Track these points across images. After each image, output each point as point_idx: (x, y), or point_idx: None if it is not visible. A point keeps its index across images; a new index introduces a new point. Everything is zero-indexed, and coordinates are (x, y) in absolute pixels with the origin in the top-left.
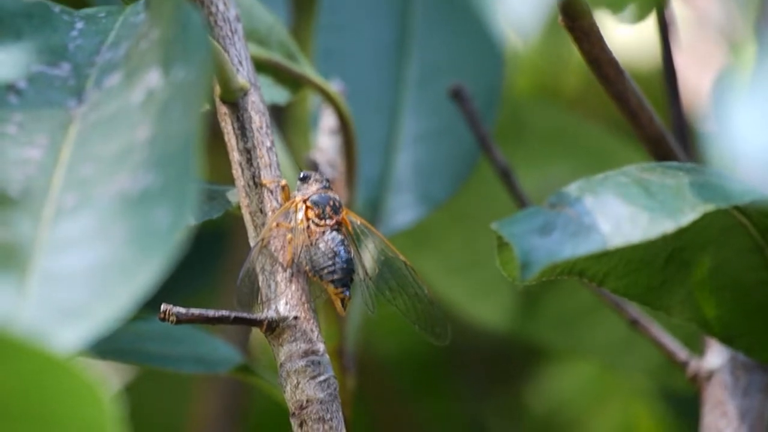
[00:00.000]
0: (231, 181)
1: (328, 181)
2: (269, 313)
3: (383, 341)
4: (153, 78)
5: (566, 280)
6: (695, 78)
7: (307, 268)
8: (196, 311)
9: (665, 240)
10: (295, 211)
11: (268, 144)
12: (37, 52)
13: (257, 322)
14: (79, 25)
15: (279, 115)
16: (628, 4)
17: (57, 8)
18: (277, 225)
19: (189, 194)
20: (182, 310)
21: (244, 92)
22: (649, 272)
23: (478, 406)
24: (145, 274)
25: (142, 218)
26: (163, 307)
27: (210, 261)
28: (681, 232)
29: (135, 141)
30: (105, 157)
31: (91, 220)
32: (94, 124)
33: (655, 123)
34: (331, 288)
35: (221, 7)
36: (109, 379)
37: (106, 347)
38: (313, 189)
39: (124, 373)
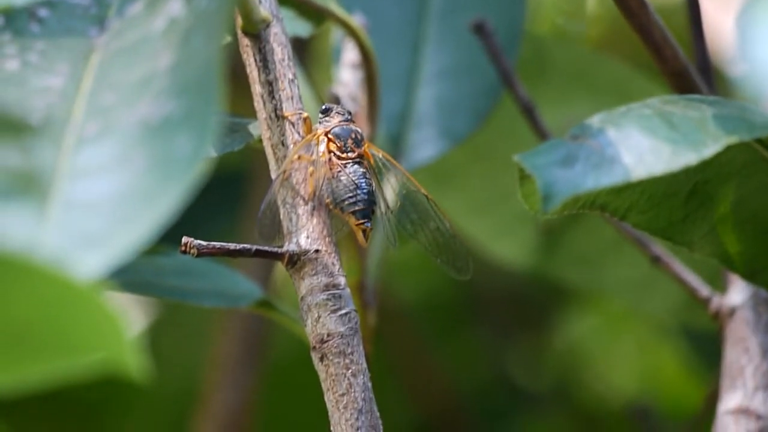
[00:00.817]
0: (252, 115)
1: (350, 113)
2: (290, 247)
3: (403, 282)
4: (175, 6)
5: (588, 218)
6: (718, 15)
7: (329, 200)
8: (217, 244)
9: (687, 173)
10: (317, 144)
11: (290, 76)
12: None
13: (278, 256)
14: None
15: (301, 49)
16: None
17: None
18: (299, 157)
19: (211, 122)
20: (203, 242)
21: (267, 24)
22: (671, 206)
23: (499, 346)
24: (166, 202)
25: (163, 146)
26: (184, 239)
27: (231, 198)
28: (703, 165)
29: (157, 69)
30: (126, 86)
31: (112, 148)
32: (115, 52)
33: (678, 57)
34: (352, 220)
35: None
36: (131, 313)
37: (127, 280)
38: (334, 122)
39: (146, 311)
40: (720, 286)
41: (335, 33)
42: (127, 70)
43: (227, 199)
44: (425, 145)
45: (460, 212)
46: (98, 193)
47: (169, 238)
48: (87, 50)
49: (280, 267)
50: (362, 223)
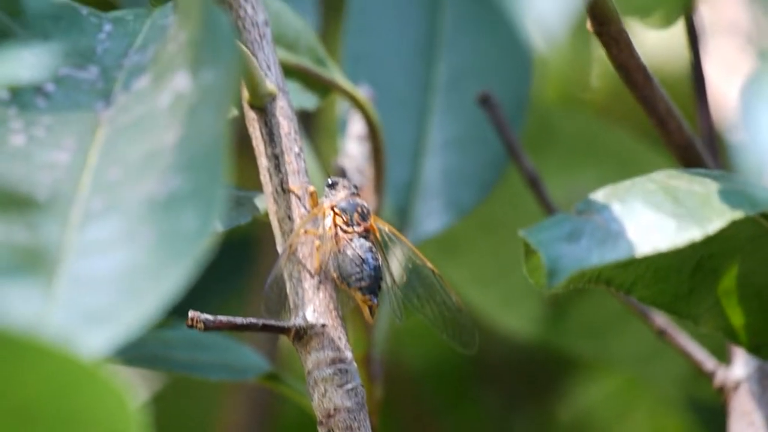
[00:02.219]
0: (259, 187)
1: (356, 187)
2: (297, 321)
3: (410, 350)
4: (181, 81)
5: (594, 290)
6: (723, 85)
7: (335, 275)
8: (223, 318)
9: (693, 248)
10: (323, 218)
11: (297, 150)
12: (65, 55)
13: (285, 330)
14: (107, 27)
15: (307, 121)
16: (656, 10)
17: (85, 11)
18: (305, 232)
19: (217, 198)
20: (210, 317)
21: (273, 97)
22: (676, 280)
23: (506, 416)
24: (172, 279)
25: (169, 222)
26: (190, 314)
27: (237, 268)
28: (708, 240)
29: (163, 144)
30: (133, 161)
31: (118, 224)
32: (121, 127)
33: (683, 129)
34: (358, 295)
35: (249, 11)
36: (137, 386)
37: (133, 354)
38: (341, 195)
39: (152, 382)
40: (725, 357)
41: (341, 104)
42: (133, 145)
43: (234, 266)
44: (431, 217)
45: (465, 283)
46: (104, 270)
47: (175, 308)
48: (93, 125)
49: (286, 339)
50: (368, 299)
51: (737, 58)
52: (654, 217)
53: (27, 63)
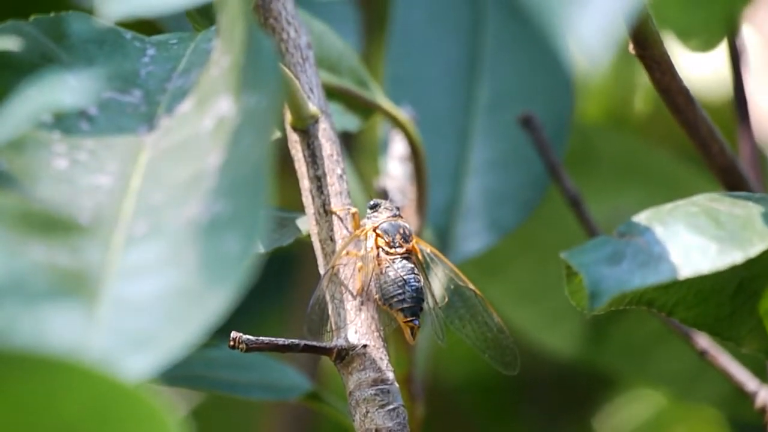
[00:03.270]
0: (301, 209)
1: (398, 208)
2: (339, 342)
3: (451, 369)
4: (224, 105)
5: (635, 310)
6: (766, 107)
7: (377, 296)
8: (265, 339)
9: (734, 270)
10: (365, 239)
11: (339, 172)
12: (109, 79)
13: (327, 351)
14: (151, 51)
15: (349, 142)
16: (699, 33)
17: (129, 35)
18: (347, 253)
19: (260, 221)
20: (252, 338)
21: (315, 119)
22: (718, 302)
23: (547, 431)
24: (215, 302)
25: (212, 245)
26: (233, 335)
27: (279, 288)
28: (750, 263)
29: (206, 168)
30: (175, 184)
31: (161, 248)
32: (164, 150)
33: (725, 152)
34: (400, 317)
35: (293, 34)
36: (177, 405)
37: (175, 374)
38: (383, 217)
39: (191, 399)
40: (767, 378)
41: (383, 126)
42: (176, 169)
43: (276, 285)
44: (472, 238)
45: (506, 302)
46: (147, 293)
47: (219, 328)
48: (136, 148)
49: (327, 359)
50: (410, 321)
51: None
52: (696, 239)
53: (70, 87)
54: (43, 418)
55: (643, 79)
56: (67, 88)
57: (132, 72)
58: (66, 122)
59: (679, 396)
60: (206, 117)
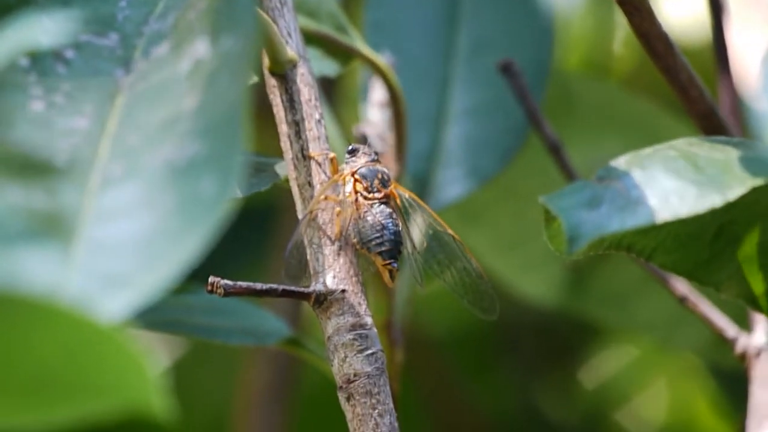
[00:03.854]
0: (279, 154)
1: (376, 154)
2: (317, 287)
3: (432, 319)
4: (200, 48)
5: (615, 257)
6: (744, 54)
7: (355, 240)
8: (243, 284)
9: (713, 214)
10: (344, 184)
11: (317, 117)
12: (85, 22)
13: (305, 295)
14: None
15: (328, 88)
16: None
17: None
18: (326, 198)
19: (236, 163)
20: (230, 282)
21: (293, 64)
22: (697, 247)
23: (528, 383)
24: (191, 243)
25: (188, 187)
26: (210, 279)
27: (257, 236)
28: (729, 207)
29: (182, 110)
30: (151, 127)
31: (137, 190)
32: (141, 93)
33: (705, 98)
34: (379, 260)
35: None
36: (156, 352)
37: (153, 319)
38: (361, 162)
39: (173, 348)
40: (747, 324)
41: (362, 72)
42: (152, 112)
43: (253, 234)
44: (452, 184)
45: (487, 250)
46: (123, 235)
47: (195, 274)
48: (112, 91)
49: (306, 305)
50: (389, 264)
51: (758, 27)
52: (674, 183)
53: (46, 29)
54: (18, 358)
55: (624, 25)
56: (43, 30)
57: (109, 15)
58: (42, 65)
59: (660, 343)
60: (183, 60)
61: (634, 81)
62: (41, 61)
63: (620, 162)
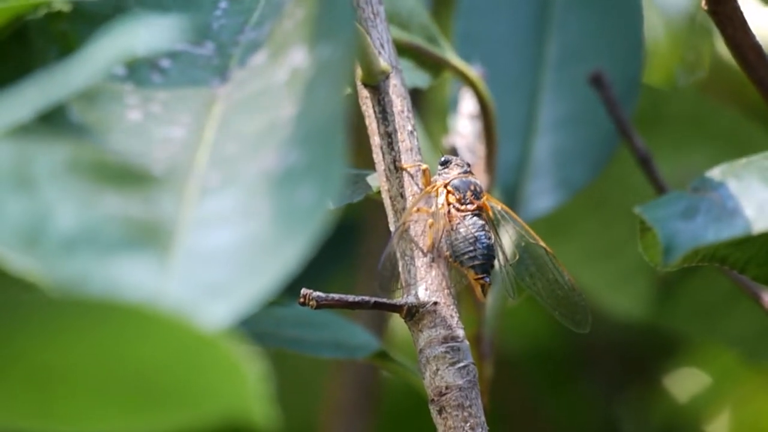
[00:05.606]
0: (371, 166)
1: (468, 165)
2: (409, 299)
3: (513, 330)
4: (298, 56)
5: (703, 270)
6: None
7: (448, 253)
8: (335, 296)
9: None
10: (436, 196)
11: (410, 128)
12: (181, 31)
13: (397, 308)
14: (223, 4)
15: (418, 99)
16: None
17: None
18: (418, 210)
19: (334, 172)
20: (322, 294)
21: (386, 75)
22: None
23: (609, 396)
24: (290, 253)
25: (286, 197)
26: (303, 291)
27: (348, 249)
28: None
29: (279, 119)
30: (249, 136)
31: (235, 199)
32: (238, 102)
33: None
34: (471, 274)
35: None
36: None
37: (245, 330)
38: (453, 173)
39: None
40: None
41: (453, 83)
42: (249, 121)
43: (343, 248)
44: (542, 196)
45: (575, 261)
46: (221, 244)
47: (287, 287)
48: (209, 100)
49: (395, 317)
50: (481, 278)
51: None
52: None
53: (143, 38)
54: (121, 366)
55: (706, 41)
56: (139, 40)
57: (204, 24)
58: (139, 74)
59: (748, 357)
60: (280, 69)
61: (719, 92)
62: (137, 71)
63: (715, 172)
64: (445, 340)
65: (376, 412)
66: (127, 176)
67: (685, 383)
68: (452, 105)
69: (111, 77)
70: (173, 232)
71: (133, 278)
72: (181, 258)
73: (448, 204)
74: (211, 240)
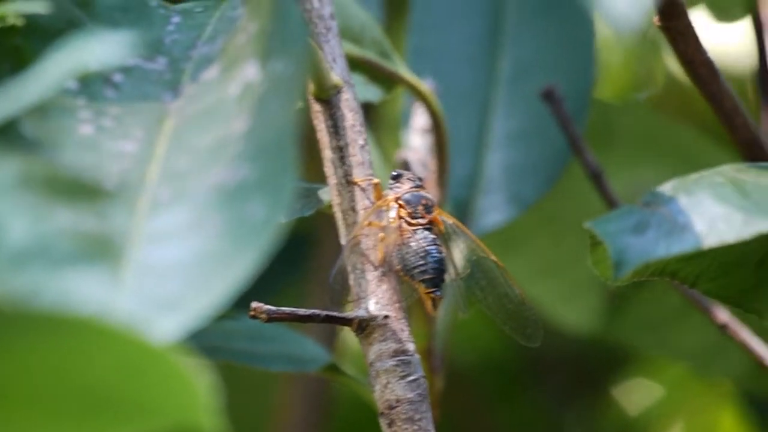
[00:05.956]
0: (323, 180)
1: (420, 180)
2: (360, 312)
3: (465, 345)
4: (250, 71)
5: (654, 284)
6: None
7: (399, 267)
8: (286, 309)
9: (759, 241)
10: (387, 210)
11: (361, 142)
12: (134, 46)
13: (348, 321)
14: (176, 19)
15: (370, 114)
16: (724, 4)
17: (154, 2)
18: (369, 223)
19: (285, 187)
20: (273, 308)
21: (338, 90)
22: (742, 274)
23: (560, 411)
24: (240, 267)
25: (237, 211)
26: (253, 304)
27: (298, 263)
28: None
29: (231, 134)
30: (201, 150)
31: (186, 213)
32: (190, 117)
33: (749, 125)
34: (422, 288)
35: (316, 4)
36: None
37: (195, 344)
38: (405, 188)
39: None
40: None
41: (405, 97)
42: (201, 135)
43: (295, 261)
44: (493, 211)
45: (527, 276)
46: (172, 258)
47: (238, 301)
48: (161, 115)
49: (346, 330)
50: (432, 292)
51: None
52: (721, 209)
53: (96, 53)
54: (72, 379)
55: (658, 57)
56: (92, 55)
57: (157, 39)
58: (91, 89)
59: (698, 371)
60: (232, 83)
61: (670, 108)
62: (90, 85)
63: (666, 187)
64: (396, 353)
65: (328, 425)
66: (79, 190)
67: (636, 395)
68: (404, 119)
69: (64, 92)
70: (124, 246)
71: (84, 292)
72: (132, 272)
73: (400, 218)
74: (162, 254)
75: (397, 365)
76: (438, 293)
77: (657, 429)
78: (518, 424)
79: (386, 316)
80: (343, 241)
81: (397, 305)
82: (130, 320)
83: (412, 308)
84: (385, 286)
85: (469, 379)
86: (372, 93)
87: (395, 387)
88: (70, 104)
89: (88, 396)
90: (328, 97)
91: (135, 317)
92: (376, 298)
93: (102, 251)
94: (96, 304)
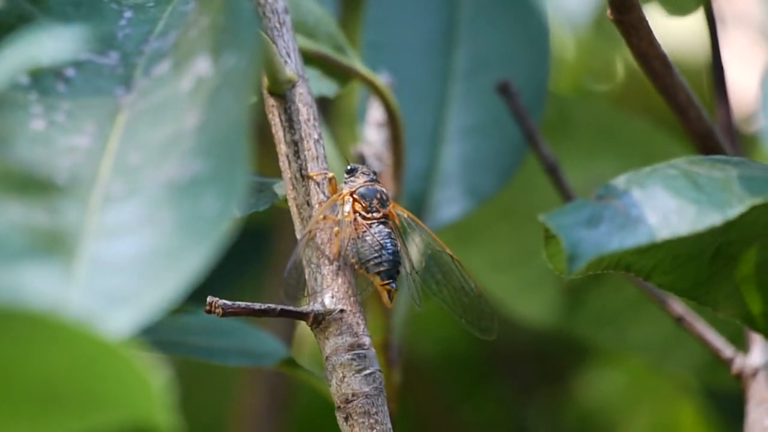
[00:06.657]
0: (277, 175)
1: (375, 173)
2: (315, 306)
3: (425, 338)
4: (202, 66)
5: (611, 277)
6: (740, 76)
7: (354, 260)
8: (242, 304)
9: (712, 234)
10: (342, 204)
11: (316, 136)
12: (86, 41)
13: (303, 315)
14: (128, 14)
15: (326, 108)
16: None
17: None
18: (324, 217)
19: (238, 181)
20: (228, 302)
21: (292, 84)
22: (696, 266)
23: (521, 401)
24: (193, 261)
25: (190, 205)
26: (209, 299)
27: (253, 255)
28: (728, 226)
29: (183, 128)
30: (153, 145)
31: (138, 208)
32: (142, 112)
33: (702, 118)
34: (377, 280)
35: None
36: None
37: (151, 339)
38: (360, 182)
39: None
40: (743, 344)
41: (360, 91)
42: (153, 130)
43: (250, 253)
44: (449, 204)
45: (483, 269)
46: (124, 252)
47: (193, 295)
48: (113, 110)
49: (303, 325)
50: (387, 284)
51: (753, 49)
52: (674, 202)
53: (47, 48)
54: (24, 373)
55: (616, 50)
56: (43, 49)
57: (109, 34)
58: (43, 83)
59: (655, 363)
60: (184, 78)
61: (627, 101)
62: (42, 80)
63: (620, 180)
64: (352, 347)
65: (286, 419)
66: (30, 185)
67: (598, 386)
68: (360, 114)
69: (15, 86)
70: (77, 241)
71: (36, 286)
72: (84, 266)
73: (354, 212)
74: (115, 248)
75: (353, 359)
76: (393, 285)
77: (618, 420)
78: (480, 415)
79: (342, 310)
80: (298, 235)
81: (352, 299)
82: (83, 315)
83: (368, 302)
84: (340, 280)
85: (430, 372)
86: (327, 87)
87: (351, 381)
88: (22, 99)
89: (41, 391)
90: (282, 92)
91: (88, 312)
92: (331, 292)
93: (54, 246)
94: (48, 299)
